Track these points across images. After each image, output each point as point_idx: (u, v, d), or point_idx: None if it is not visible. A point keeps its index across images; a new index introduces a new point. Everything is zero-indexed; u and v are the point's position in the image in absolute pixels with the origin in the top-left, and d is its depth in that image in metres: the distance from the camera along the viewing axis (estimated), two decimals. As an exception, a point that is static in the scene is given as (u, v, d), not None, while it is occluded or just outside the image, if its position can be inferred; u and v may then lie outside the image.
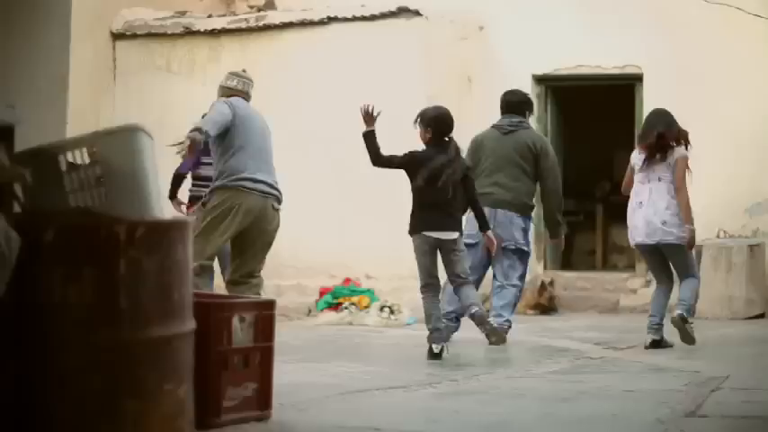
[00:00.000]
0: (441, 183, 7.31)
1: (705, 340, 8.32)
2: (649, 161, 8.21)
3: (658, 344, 8.07)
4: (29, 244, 3.53)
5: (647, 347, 8.04)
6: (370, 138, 7.42)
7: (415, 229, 7.41)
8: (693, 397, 5.60)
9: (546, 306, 11.81)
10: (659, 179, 8.19)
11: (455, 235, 7.43)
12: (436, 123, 7.53)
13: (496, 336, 7.61)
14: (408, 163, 7.47)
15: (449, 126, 7.56)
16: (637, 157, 8.32)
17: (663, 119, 8.30)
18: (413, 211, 7.46)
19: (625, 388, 6.05)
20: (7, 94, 4.90)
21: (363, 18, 11.55)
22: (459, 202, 7.52)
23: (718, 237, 11.62)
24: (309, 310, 10.91)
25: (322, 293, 10.96)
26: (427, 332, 7.39)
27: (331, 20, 11.66)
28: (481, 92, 12.26)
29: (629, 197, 8.37)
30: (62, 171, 3.98)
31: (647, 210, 8.18)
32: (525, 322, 10.04)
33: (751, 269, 11.25)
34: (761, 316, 11.16)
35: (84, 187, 3.98)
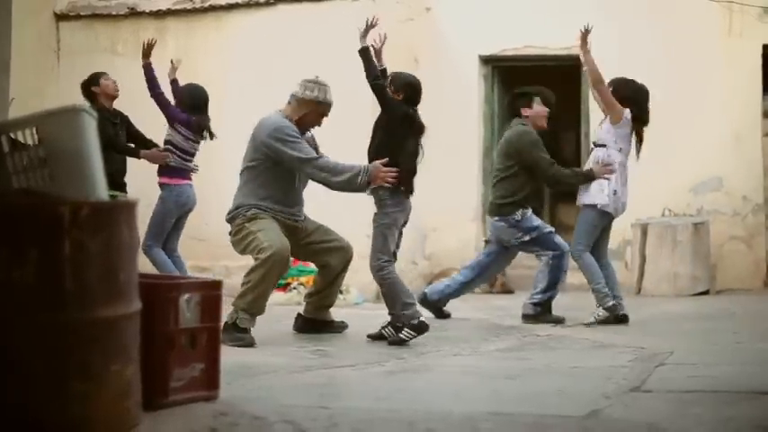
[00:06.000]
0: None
1: (650, 317, 8.41)
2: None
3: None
4: (-29, 225, 3.50)
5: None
6: (365, 54, 7.52)
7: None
8: (638, 372, 5.67)
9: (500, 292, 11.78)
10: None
11: None
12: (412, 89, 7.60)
13: None
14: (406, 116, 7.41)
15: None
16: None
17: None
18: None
19: (571, 364, 6.12)
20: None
21: (310, -1, 11.50)
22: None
23: (663, 215, 11.75)
24: (258, 292, 10.86)
25: (270, 274, 10.92)
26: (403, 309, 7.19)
27: (278, 1, 11.60)
28: (428, 73, 12.26)
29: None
30: (4, 152, 3.96)
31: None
32: (472, 301, 10.08)
33: (695, 247, 11.38)
34: (705, 293, 11.29)
35: (27, 168, 3.97)
